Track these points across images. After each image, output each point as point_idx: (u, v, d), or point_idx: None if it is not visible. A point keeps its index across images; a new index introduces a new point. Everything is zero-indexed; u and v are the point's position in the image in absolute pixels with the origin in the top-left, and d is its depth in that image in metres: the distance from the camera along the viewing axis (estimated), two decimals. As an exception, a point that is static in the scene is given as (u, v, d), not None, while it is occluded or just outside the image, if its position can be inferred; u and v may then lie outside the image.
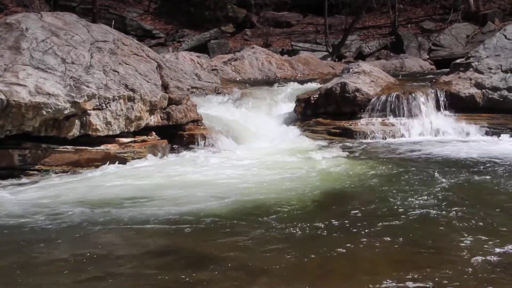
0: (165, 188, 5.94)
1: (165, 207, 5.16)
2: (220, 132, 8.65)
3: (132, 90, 7.59)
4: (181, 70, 11.09)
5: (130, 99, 7.54)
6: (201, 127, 8.66)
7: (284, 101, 10.62)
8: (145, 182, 6.25)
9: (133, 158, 7.36)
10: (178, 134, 8.42)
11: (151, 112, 7.96)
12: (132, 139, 7.69)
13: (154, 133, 8.08)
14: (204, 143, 8.29)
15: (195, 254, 4.05)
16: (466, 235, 4.17)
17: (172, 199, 5.46)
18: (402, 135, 9.07)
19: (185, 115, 8.48)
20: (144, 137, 7.88)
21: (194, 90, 11.45)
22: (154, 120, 8.05)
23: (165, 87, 8.33)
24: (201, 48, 22.28)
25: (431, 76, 13.26)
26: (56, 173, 6.85)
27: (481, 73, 9.79)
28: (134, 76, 7.85)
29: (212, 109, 10.27)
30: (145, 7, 28.06)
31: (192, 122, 8.65)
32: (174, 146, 8.22)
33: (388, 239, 4.15)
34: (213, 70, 14.98)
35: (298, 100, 10.07)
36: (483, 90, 9.47)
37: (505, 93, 9.30)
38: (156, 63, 8.55)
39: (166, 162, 7.46)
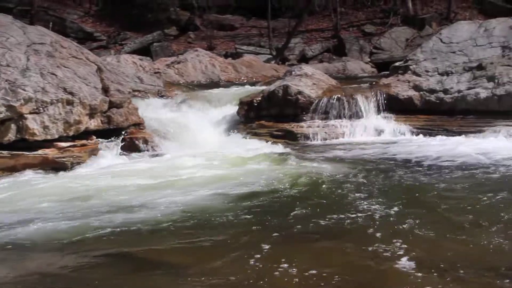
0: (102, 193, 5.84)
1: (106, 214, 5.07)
2: (163, 135, 8.56)
3: (71, 93, 7.42)
4: (122, 73, 10.93)
5: (69, 102, 7.37)
6: (143, 131, 8.54)
7: (227, 104, 10.60)
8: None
9: (72, 163, 7.20)
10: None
11: (91, 115, 7.80)
12: (72, 143, 7.51)
13: (94, 137, 7.92)
14: (146, 146, 8.18)
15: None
16: (404, 234, 4.25)
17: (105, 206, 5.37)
18: (344, 137, 9.19)
19: (127, 119, 8.35)
20: (84, 141, 7.70)
21: (136, 93, 11.32)
22: (94, 124, 7.89)
23: (105, 90, 8.19)
24: (144, 51, 22.06)
25: (372, 78, 13.52)
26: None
27: (419, 75, 10.05)
28: (73, 79, 7.69)
29: (155, 112, 10.15)
30: (86, 9, 27.58)
31: (134, 125, 8.51)
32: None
33: (326, 243, 4.20)
34: (156, 73, 14.84)
35: (241, 103, 10.08)
36: (421, 92, 9.72)
37: (441, 95, 9.56)
38: (96, 66, 8.40)
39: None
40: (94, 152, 7.64)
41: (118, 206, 5.29)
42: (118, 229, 4.60)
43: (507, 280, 3.41)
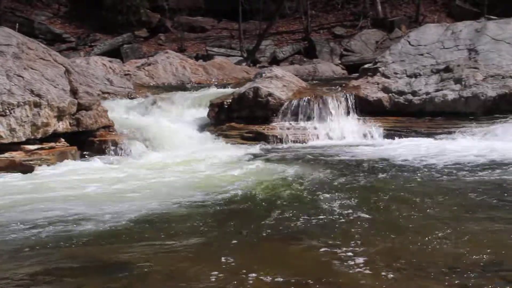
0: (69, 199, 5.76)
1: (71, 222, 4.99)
2: (133, 138, 8.49)
3: (38, 95, 7.33)
4: (92, 75, 10.85)
5: (36, 105, 7.28)
6: (113, 133, 8.48)
7: (197, 106, 10.58)
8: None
9: (40, 166, 7.10)
10: (89, 141, 8.18)
11: (59, 118, 7.72)
12: (39, 146, 7.42)
13: (63, 139, 7.83)
14: (116, 149, 8.10)
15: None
16: (366, 236, 4.30)
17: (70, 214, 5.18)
18: (313, 139, 9.23)
19: (96, 121, 8.28)
20: (52, 144, 7.63)
21: (106, 95, 11.24)
22: (62, 126, 7.81)
23: (74, 92, 8.10)
24: (114, 53, 21.88)
25: (342, 80, 13.61)
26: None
27: (388, 77, 10.16)
28: (40, 81, 7.59)
29: (125, 114, 10.08)
30: (55, 10, 27.19)
31: (103, 128, 8.45)
32: (84, 153, 7.98)
33: (294, 247, 4.20)
34: (126, 75, 14.74)
35: (212, 105, 10.06)
36: (390, 94, 9.82)
37: (410, 97, 9.68)
38: (64, 68, 8.30)
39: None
40: (62, 154, 7.56)
41: (72, 215, 4.98)
42: (69, 241, 4.32)
43: (459, 281, 3.45)
